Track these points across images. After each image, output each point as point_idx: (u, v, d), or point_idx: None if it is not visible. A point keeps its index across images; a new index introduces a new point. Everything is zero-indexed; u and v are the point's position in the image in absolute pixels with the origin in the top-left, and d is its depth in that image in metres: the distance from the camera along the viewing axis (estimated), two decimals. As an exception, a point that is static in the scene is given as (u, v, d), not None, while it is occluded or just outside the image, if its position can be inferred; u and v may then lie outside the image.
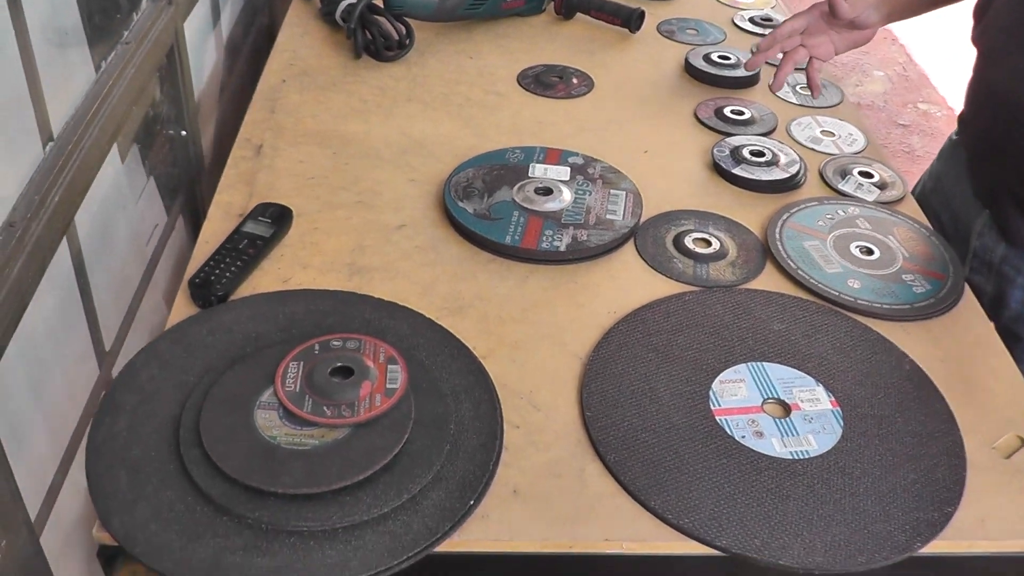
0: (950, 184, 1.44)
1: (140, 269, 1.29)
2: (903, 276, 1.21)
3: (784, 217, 1.29)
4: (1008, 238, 1.30)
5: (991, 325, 1.17)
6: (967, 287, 1.22)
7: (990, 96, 1.32)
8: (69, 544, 1.02)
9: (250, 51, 1.95)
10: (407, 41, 1.66)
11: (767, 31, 1.85)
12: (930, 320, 1.16)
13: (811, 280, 1.19)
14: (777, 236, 1.26)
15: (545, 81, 1.61)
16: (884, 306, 1.16)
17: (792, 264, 1.21)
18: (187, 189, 1.49)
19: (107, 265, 1.16)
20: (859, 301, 1.16)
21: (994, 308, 1.33)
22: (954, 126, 1.46)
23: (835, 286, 1.18)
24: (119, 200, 1.22)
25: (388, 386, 0.93)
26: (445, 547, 0.84)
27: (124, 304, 1.22)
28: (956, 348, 1.12)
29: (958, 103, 1.46)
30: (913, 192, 1.49)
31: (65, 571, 0.99)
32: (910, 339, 1.13)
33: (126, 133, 1.22)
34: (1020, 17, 1.24)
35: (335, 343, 0.97)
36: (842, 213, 1.31)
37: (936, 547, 0.90)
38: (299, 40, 1.71)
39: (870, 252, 1.24)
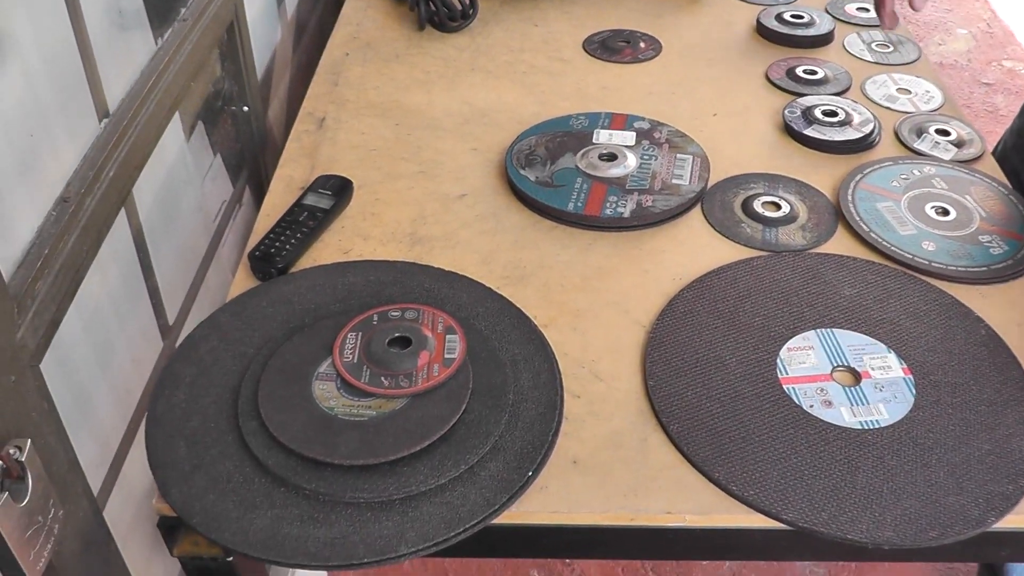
0: None
1: (206, 244, 1.29)
2: (980, 237, 1.16)
3: (857, 178, 1.26)
4: None
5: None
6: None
7: None
8: (138, 516, 1.03)
9: (316, 26, 1.94)
10: (471, 11, 1.64)
11: (842, -12, 1.80)
12: (1008, 283, 1.12)
13: (884, 243, 1.15)
14: (849, 198, 1.22)
15: (611, 46, 1.58)
16: (960, 269, 1.12)
17: (864, 227, 1.17)
18: (251, 164, 1.49)
19: (172, 241, 1.17)
20: (934, 264, 1.12)
21: None
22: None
23: (909, 248, 1.14)
24: (185, 177, 1.22)
25: (446, 356, 0.92)
26: (503, 519, 0.83)
27: (189, 278, 1.23)
28: (1037, 313, 1.08)
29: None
30: (995, 151, 1.43)
31: (132, 542, 1.00)
32: (987, 303, 1.08)
33: (187, 110, 1.22)
34: None
35: (393, 313, 0.96)
36: (917, 173, 1.27)
37: (1011, 522, 0.87)
38: (363, 13, 1.70)
39: (946, 213, 1.20)
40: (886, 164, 1.28)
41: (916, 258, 1.13)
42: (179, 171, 1.20)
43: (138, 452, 1.02)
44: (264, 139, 1.53)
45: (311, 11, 1.93)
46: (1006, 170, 1.33)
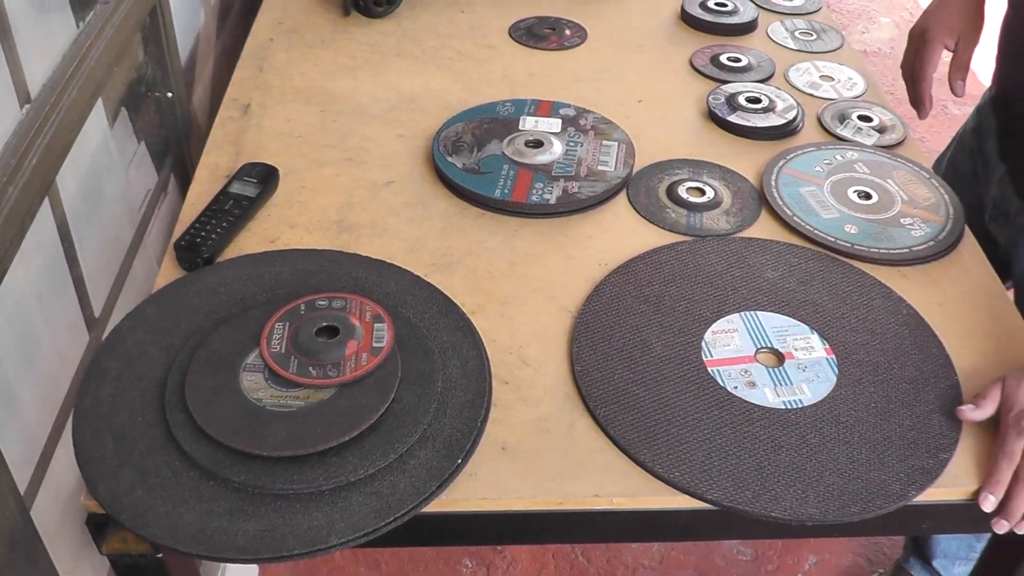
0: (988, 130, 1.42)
1: (131, 233, 1.28)
2: (901, 220, 1.19)
3: (780, 164, 1.27)
4: (1021, 195, 1.28)
5: (990, 268, 1.16)
6: (967, 229, 1.20)
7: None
8: (66, 514, 1.01)
9: (240, 9, 1.92)
10: (397, -4, 1.63)
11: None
12: (929, 264, 1.14)
13: (807, 227, 1.17)
14: (773, 183, 1.24)
15: (537, 33, 1.58)
16: (881, 251, 1.14)
17: (788, 211, 1.19)
18: (176, 152, 1.47)
19: (96, 230, 1.15)
20: (856, 247, 1.14)
21: (1007, 259, 1.31)
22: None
23: (832, 232, 1.16)
24: (108, 165, 1.20)
25: (374, 345, 0.92)
26: (433, 507, 0.84)
27: (114, 268, 1.21)
28: (955, 292, 1.11)
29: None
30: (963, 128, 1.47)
31: (60, 540, 0.99)
32: (908, 283, 1.11)
33: (110, 95, 1.20)
34: None
35: (321, 303, 0.96)
36: (840, 158, 1.29)
37: (931, 495, 0.89)
38: (287, -3, 1.69)
39: (868, 197, 1.22)
40: (809, 150, 1.31)
41: (839, 241, 1.15)
42: (103, 159, 1.18)
43: (66, 448, 1.01)
44: (189, 126, 1.51)
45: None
46: (965, 150, 1.38)
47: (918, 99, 1.42)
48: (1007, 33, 1.31)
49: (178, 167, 1.48)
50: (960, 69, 1.38)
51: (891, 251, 1.14)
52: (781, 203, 1.20)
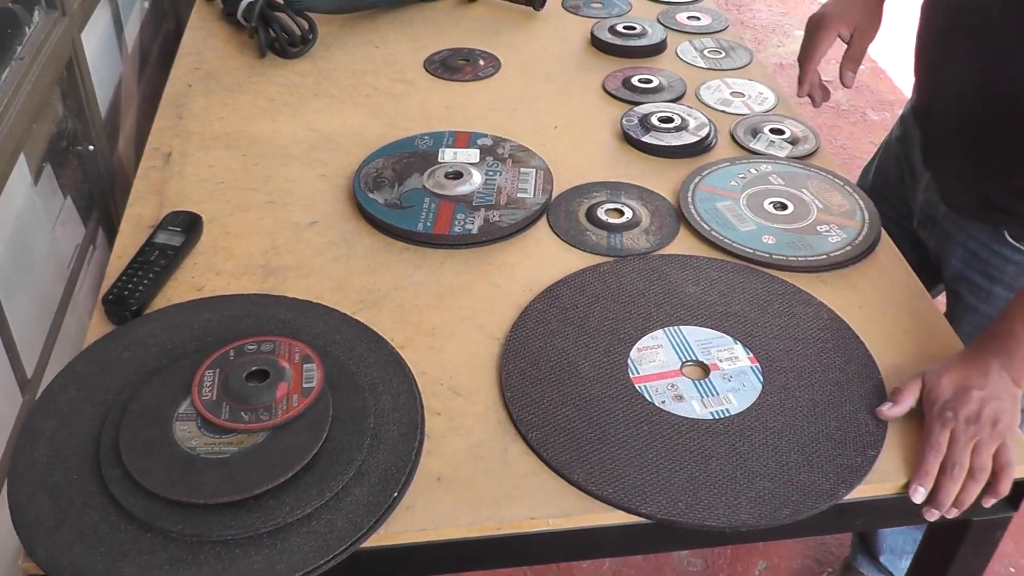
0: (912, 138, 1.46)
1: (61, 290, 1.27)
2: (818, 227, 1.22)
3: (696, 180, 1.30)
4: (947, 201, 1.32)
5: (908, 268, 1.19)
6: (883, 232, 1.23)
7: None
8: None
9: (159, 57, 1.92)
10: (310, 36, 1.65)
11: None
12: (847, 268, 1.18)
13: (725, 240, 1.20)
14: (689, 200, 1.27)
15: (452, 65, 1.61)
16: (800, 259, 1.17)
17: (706, 226, 1.22)
18: (102, 204, 1.47)
19: (25, 290, 1.14)
20: (775, 256, 1.18)
21: (938, 262, 1.35)
22: (876, 80, 1.47)
23: (750, 244, 1.19)
24: (35, 224, 1.20)
25: (304, 385, 0.93)
26: (372, 542, 0.85)
27: (45, 327, 1.21)
28: (875, 294, 1.15)
29: (879, 57, 1.47)
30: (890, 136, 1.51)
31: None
32: (828, 289, 1.15)
33: (32, 152, 1.20)
34: None
35: (250, 347, 0.97)
36: (754, 171, 1.32)
37: (862, 492, 0.92)
38: (203, 43, 1.69)
39: (784, 207, 1.26)
40: (723, 165, 1.34)
41: (758, 252, 1.18)
42: (28, 217, 1.18)
43: (2, 512, 1.00)
44: (112, 178, 1.51)
45: (152, 40, 1.91)
46: (892, 158, 1.43)
47: (800, 81, 1.45)
48: (921, 44, 1.35)
49: (104, 220, 1.48)
50: (852, 60, 1.42)
51: (809, 258, 1.17)
52: (699, 219, 1.23)
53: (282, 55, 1.63)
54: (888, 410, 0.98)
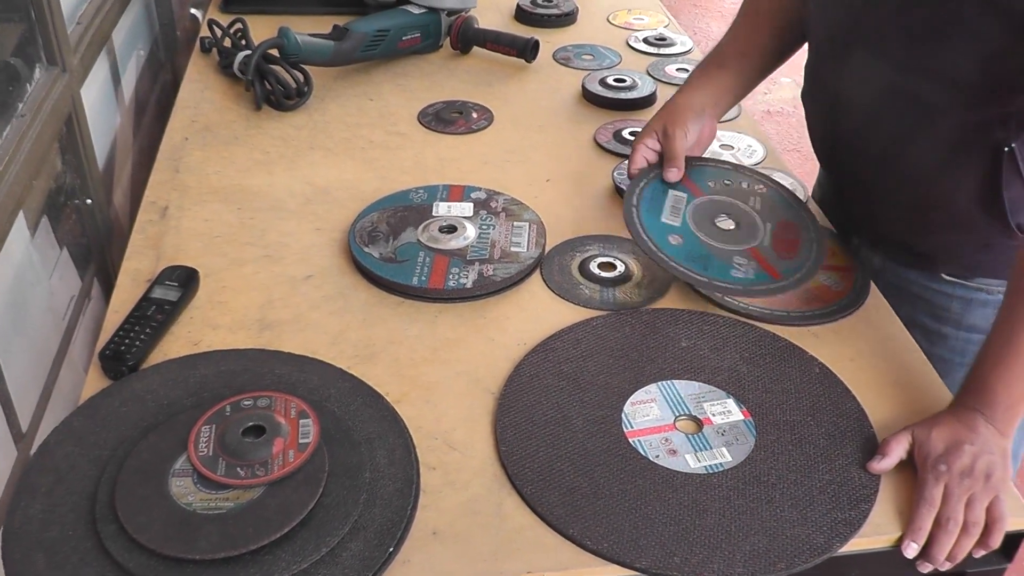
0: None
1: (56, 343, 1.28)
2: (809, 280, 1.23)
3: (688, 233, 1.32)
4: (882, 252, 1.35)
5: (898, 320, 1.21)
6: (873, 285, 1.25)
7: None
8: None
9: (156, 109, 1.94)
10: (306, 88, 1.66)
11: (662, 51, 1.89)
12: (837, 321, 1.19)
13: (716, 293, 1.21)
14: (682, 252, 1.28)
15: (445, 118, 1.62)
16: (792, 312, 1.18)
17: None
18: (98, 258, 1.48)
19: (22, 343, 1.15)
20: (766, 310, 1.19)
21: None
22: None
23: (738, 297, 1.20)
24: (31, 277, 1.21)
25: (301, 441, 0.93)
26: (367, 597, 0.85)
27: (41, 381, 1.21)
28: (865, 346, 1.16)
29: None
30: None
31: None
32: (819, 342, 1.16)
33: (31, 207, 1.21)
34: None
35: (246, 402, 0.98)
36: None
37: (856, 545, 0.93)
38: (200, 95, 1.71)
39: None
40: (713, 216, 1.35)
41: (751, 306, 1.19)
42: (26, 272, 1.19)
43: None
44: (110, 231, 1.52)
45: (149, 91, 1.93)
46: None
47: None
48: (812, 132, 1.39)
49: (101, 273, 1.48)
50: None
51: (801, 312, 1.18)
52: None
53: (278, 108, 1.65)
54: (878, 464, 0.99)
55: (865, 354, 1.15)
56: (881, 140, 1.22)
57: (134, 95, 1.81)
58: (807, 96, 1.37)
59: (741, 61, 1.39)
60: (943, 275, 1.28)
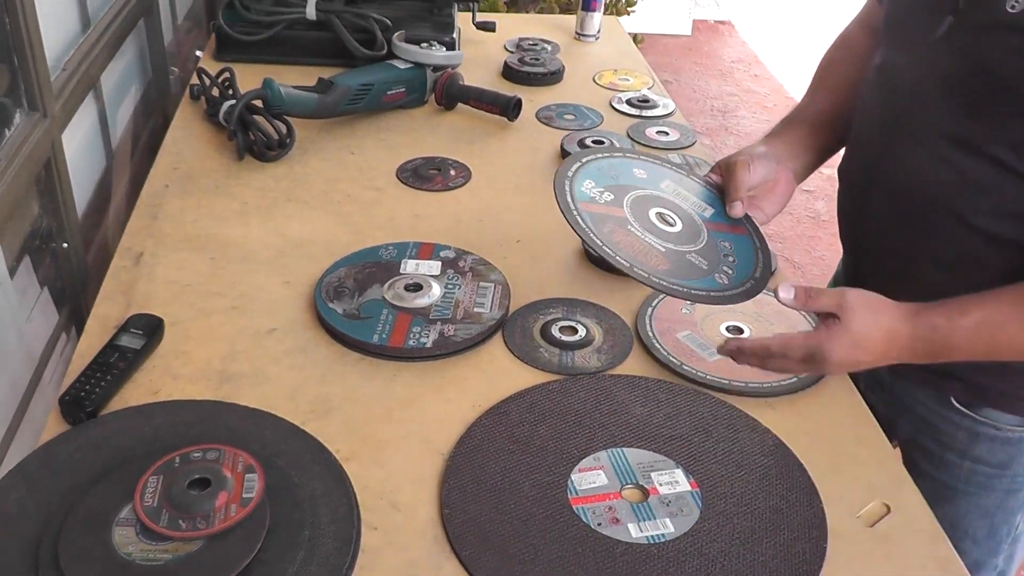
0: None
1: (26, 382, 1.29)
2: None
3: (655, 301, 1.33)
4: (891, 367, 1.33)
5: (859, 395, 1.21)
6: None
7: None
8: None
9: (146, 149, 1.96)
10: (288, 140, 1.68)
11: (644, 112, 1.91)
12: (796, 394, 1.20)
13: (673, 362, 1.22)
14: (647, 320, 1.29)
15: (423, 174, 1.64)
16: (750, 385, 1.19)
17: (661, 348, 1.24)
18: (72, 302, 1.50)
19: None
20: (723, 380, 1.20)
21: (887, 427, 1.29)
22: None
23: (700, 367, 1.21)
24: (8, 316, 1.22)
25: (244, 495, 0.94)
26: (299, 656, 0.86)
27: (6, 422, 1.23)
28: (824, 420, 1.17)
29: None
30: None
31: None
32: (775, 414, 1.17)
33: (10, 248, 1.22)
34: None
35: (195, 455, 0.99)
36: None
37: (795, 621, 0.93)
38: (184, 142, 1.73)
39: (740, 331, 1.28)
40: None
41: (708, 376, 1.20)
42: (2, 314, 1.20)
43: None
44: (86, 276, 1.54)
45: (141, 131, 1.95)
46: None
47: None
48: (842, 208, 1.42)
49: (75, 317, 1.50)
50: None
51: (759, 384, 1.20)
52: (653, 339, 1.26)
53: (260, 158, 1.67)
54: (783, 292, 1.11)
55: (822, 427, 1.15)
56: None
57: (129, 136, 1.83)
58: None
59: (821, 123, 1.40)
60: (953, 401, 1.28)
